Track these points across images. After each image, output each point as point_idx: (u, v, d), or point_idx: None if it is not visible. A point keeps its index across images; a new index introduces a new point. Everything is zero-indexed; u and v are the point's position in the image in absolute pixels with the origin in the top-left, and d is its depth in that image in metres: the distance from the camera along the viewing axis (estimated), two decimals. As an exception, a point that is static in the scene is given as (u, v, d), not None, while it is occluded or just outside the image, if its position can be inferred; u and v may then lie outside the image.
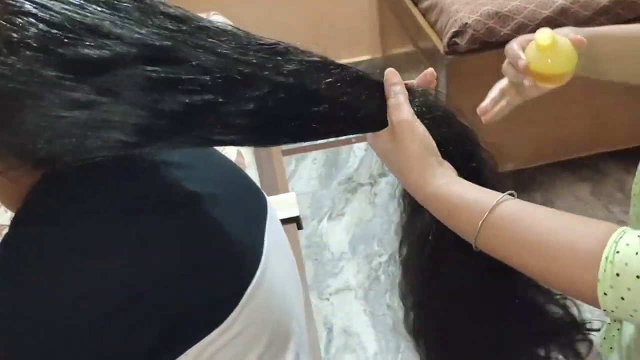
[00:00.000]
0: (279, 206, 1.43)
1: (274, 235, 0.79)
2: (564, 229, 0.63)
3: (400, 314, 1.79)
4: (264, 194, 0.84)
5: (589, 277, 0.59)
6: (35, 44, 0.56)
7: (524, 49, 0.83)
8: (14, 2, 0.57)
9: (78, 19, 0.58)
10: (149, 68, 0.59)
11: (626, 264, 0.57)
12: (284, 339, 0.77)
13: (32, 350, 0.61)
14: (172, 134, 0.62)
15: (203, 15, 2.20)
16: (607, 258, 0.58)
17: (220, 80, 0.62)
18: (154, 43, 0.60)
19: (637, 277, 0.57)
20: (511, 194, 0.68)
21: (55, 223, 0.64)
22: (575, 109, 2.06)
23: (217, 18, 2.16)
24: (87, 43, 0.58)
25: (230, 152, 1.51)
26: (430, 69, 0.75)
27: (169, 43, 0.61)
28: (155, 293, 0.64)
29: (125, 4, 0.62)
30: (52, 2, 0.59)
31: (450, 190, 0.68)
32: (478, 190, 0.69)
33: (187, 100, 0.60)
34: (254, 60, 0.64)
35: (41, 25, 0.57)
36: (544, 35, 0.80)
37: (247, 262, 0.73)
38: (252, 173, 1.52)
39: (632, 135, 2.16)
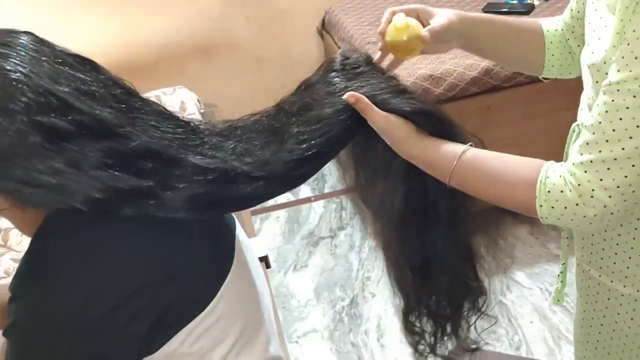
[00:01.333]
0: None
1: (243, 247, 0.96)
2: (512, 164, 0.89)
3: (363, 350, 1.97)
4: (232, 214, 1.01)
5: (530, 195, 0.85)
6: (23, 112, 0.71)
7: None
8: (8, 71, 0.73)
9: (53, 91, 0.74)
10: (102, 144, 0.75)
11: (554, 184, 0.84)
12: (256, 326, 0.93)
13: (49, 337, 0.75)
14: (119, 207, 0.76)
15: (170, 89, 2.45)
16: (541, 181, 0.85)
17: (162, 166, 0.78)
18: (110, 119, 0.76)
19: (561, 191, 0.83)
20: (471, 145, 0.93)
21: (64, 238, 0.78)
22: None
23: (183, 91, 2.39)
24: (59, 115, 0.73)
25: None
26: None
27: (121, 121, 0.77)
28: (147, 291, 0.78)
29: (89, 78, 0.78)
30: (34, 74, 0.74)
31: (427, 149, 0.92)
32: (447, 144, 0.93)
33: (131, 184, 0.75)
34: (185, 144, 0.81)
35: (29, 94, 0.72)
36: (399, 18, 0.99)
37: (222, 264, 0.89)
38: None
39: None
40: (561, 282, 1.14)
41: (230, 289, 0.88)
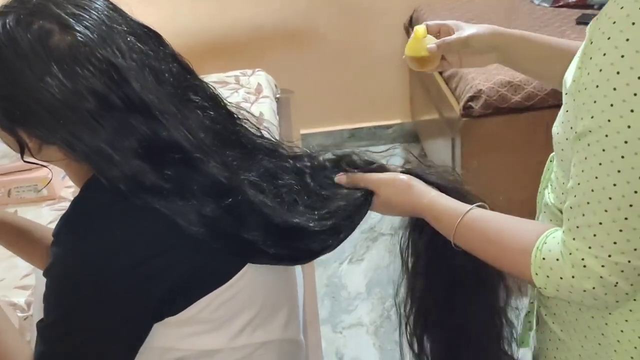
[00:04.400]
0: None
1: None
2: (512, 227, 0.84)
3: (407, 350, 1.94)
4: None
5: (526, 261, 0.79)
6: (85, 75, 0.76)
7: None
8: (78, 32, 0.77)
9: (114, 62, 0.77)
10: (141, 127, 0.78)
11: (550, 250, 0.77)
12: (277, 307, 0.95)
13: (80, 282, 0.80)
14: (139, 197, 0.80)
15: (249, 71, 2.49)
16: (537, 247, 0.78)
17: (185, 165, 0.81)
18: (154, 104, 0.79)
19: (557, 259, 0.76)
20: (482, 205, 0.90)
21: (106, 192, 0.81)
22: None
23: (261, 74, 2.44)
24: (114, 87, 0.77)
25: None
26: None
27: (165, 106, 0.80)
28: (172, 252, 0.82)
29: (152, 51, 0.82)
30: (101, 40, 0.78)
31: (434, 204, 0.92)
32: (454, 201, 0.91)
33: (154, 182, 0.78)
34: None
35: (93, 60, 0.76)
36: (419, 29, 1.04)
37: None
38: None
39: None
40: (529, 322, 1.04)
41: (256, 267, 0.90)
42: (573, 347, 0.89)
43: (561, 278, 0.75)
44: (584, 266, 0.73)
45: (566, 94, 0.79)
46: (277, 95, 2.44)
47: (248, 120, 0.93)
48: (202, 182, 0.82)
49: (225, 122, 0.89)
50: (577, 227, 0.73)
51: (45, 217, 1.69)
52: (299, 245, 0.90)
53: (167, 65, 0.85)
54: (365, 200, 0.96)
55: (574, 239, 0.74)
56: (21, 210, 1.72)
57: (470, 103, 2.16)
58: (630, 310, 0.79)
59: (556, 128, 0.83)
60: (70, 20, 0.79)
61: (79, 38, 0.78)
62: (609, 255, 0.71)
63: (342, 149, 1.01)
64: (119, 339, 0.84)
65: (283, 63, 2.97)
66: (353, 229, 0.96)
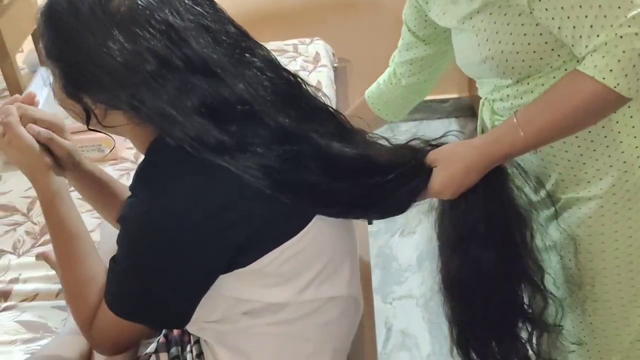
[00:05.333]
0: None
1: None
2: (552, 86, 0.94)
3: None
4: None
5: (587, 83, 0.87)
6: (144, 38, 0.78)
7: None
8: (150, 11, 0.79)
9: (173, 24, 0.79)
10: (202, 85, 0.79)
11: (592, 61, 0.87)
12: (342, 264, 0.97)
13: (155, 236, 0.83)
14: (204, 154, 0.81)
15: (307, 39, 2.48)
16: (582, 68, 0.88)
17: (246, 119, 0.82)
18: (214, 60, 0.80)
19: (603, 57, 0.86)
20: None
21: (173, 150, 0.83)
22: None
23: (319, 43, 2.43)
24: (174, 47, 0.78)
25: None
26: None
27: (225, 63, 0.82)
28: (243, 204, 0.84)
29: (208, 13, 0.83)
30: (160, 2, 0.79)
31: (487, 136, 1.01)
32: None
33: (217, 138, 0.80)
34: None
35: (152, 22, 0.78)
36: None
37: None
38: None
39: None
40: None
41: (322, 224, 0.92)
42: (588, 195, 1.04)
43: (619, 61, 0.84)
44: (621, 37, 0.83)
45: (457, 27, 1.02)
46: (335, 64, 2.42)
47: (305, 82, 0.94)
48: (265, 133, 0.83)
49: (283, 83, 0.89)
50: (610, 24, 0.83)
51: (108, 176, 1.73)
52: (367, 182, 0.91)
53: (224, 27, 0.86)
54: (426, 166, 0.99)
55: (598, 35, 0.85)
56: (85, 169, 1.77)
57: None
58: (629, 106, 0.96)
59: (476, 63, 1.01)
60: None
61: (139, 2, 0.79)
62: (633, 18, 0.83)
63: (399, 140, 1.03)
64: (186, 289, 0.87)
65: (341, 31, 2.94)
66: (419, 190, 1.00)
